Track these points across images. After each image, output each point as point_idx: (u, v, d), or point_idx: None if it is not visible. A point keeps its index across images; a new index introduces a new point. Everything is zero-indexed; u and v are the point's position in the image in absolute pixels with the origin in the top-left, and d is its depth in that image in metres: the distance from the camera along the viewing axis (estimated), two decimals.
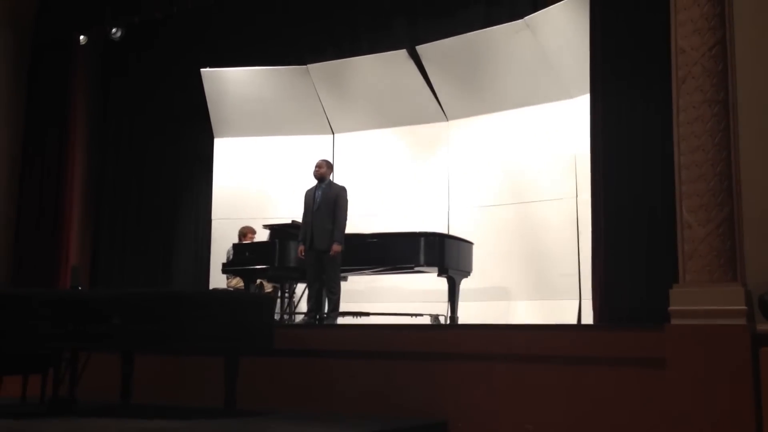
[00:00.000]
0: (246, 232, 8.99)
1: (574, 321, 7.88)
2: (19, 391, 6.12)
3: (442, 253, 7.66)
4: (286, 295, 8.76)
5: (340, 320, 7.60)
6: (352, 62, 9.84)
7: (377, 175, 9.92)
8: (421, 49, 9.39)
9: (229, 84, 10.29)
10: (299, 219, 7.63)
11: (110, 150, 9.88)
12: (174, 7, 8.65)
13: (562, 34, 8.13)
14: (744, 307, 4.63)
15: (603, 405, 5.10)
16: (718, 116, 4.88)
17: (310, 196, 7.51)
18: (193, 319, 5.32)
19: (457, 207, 9.49)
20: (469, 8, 9.21)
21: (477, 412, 5.49)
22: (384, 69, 9.61)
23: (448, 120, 9.72)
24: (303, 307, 8.07)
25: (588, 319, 6.98)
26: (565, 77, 8.50)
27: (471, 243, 8.19)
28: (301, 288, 8.59)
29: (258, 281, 8.53)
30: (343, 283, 7.67)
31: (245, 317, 5.62)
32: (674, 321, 4.83)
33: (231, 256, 8.34)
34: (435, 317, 7.81)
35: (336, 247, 7.21)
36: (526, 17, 8.57)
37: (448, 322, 7.75)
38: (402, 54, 9.49)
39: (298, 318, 8.47)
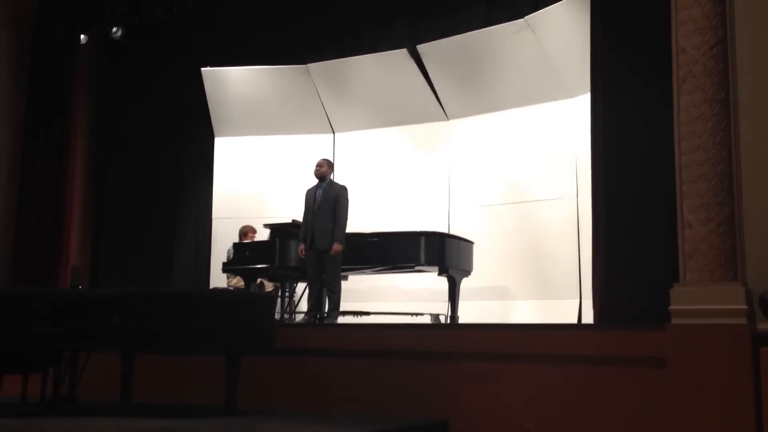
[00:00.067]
0: (246, 231, 8.99)
1: (574, 320, 7.87)
2: (19, 391, 6.11)
3: (443, 253, 7.66)
4: (287, 294, 8.76)
5: (341, 320, 7.60)
6: (352, 61, 9.84)
7: (378, 174, 9.92)
8: (422, 48, 9.39)
9: (230, 83, 10.30)
10: (300, 218, 7.63)
11: (110, 149, 9.87)
12: (174, 7, 8.65)
13: (563, 34, 8.13)
14: (744, 307, 4.63)
15: (603, 404, 5.10)
16: (719, 115, 4.87)
17: (310, 196, 7.51)
18: (193, 319, 5.32)
19: (457, 206, 9.48)
20: (470, 8, 9.20)
21: (477, 412, 5.48)
22: (384, 68, 9.61)
23: (448, 119, 9.72)
24: (303, 306, 8.07)
25: (588, 318, 6.98)
26: (565, 76, 8.50)
27: (471, 242, 8.19)
28: (301, 287, 8.58)
29: (258, 280, 8.52)
30: (343, 283, 7.66)
31: (246, 316, 5.62)
32: (675, 320, 4.83)
33: (231, 256, 8.34)
34: (435, 317, 7.81)
35: (336, 247, 7.21)
36: (526, 16, 8.57)
37: (449, 321, 7.75)
38: (402, 53, 9.49)
39: (299, 317, 8.47)
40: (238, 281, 8.62)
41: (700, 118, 4.90)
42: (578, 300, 8.09)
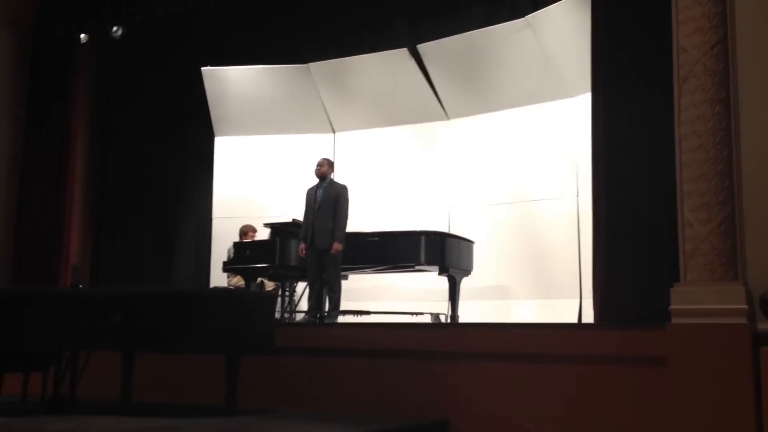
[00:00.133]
0: (247, 230, 8.98)
1: (574, 320, 7.87)
2: (19, 390, 6.11)
3: (443, 252, 7.66)
4: (287, 293, 8.75)
5: (341, 319, 7.60)
6: (353, 61, 9.84)
7: (378, 173, 9.92)
8: (422, 47, 9.39)
9: (230, 82, 10.29)
10: (300, 218, 7.63)
11: (111, 149, 9.86)
12: (175, 6, 8.64)
13: (563, 33, 8.12)
14: (745, 306, 4.63)
15: (604, 404, 5.10)
16: (719, 115, 4.87)
17: (311, 195, 7.51)
18: (193, 318, 5.32)
19: (457, 206, 9.48)
20: (470, 7, 9.20)
21: (478, 411, 5.48)
22: (385, 68, 9.61)
23: (449, 119, 9.72)
24: (304, 305, 8.07)
25: (589, 318, 6.98)
26: (566, 76, 8.49)
27: (472, 242, 8.19)
28: (301, 287, 8.58)
29: (259, 280, 8.52)
30: (343, 282, 7.66)
31: (246, 316, 5.61)
32: (675, 320, 4.83)
33: (232, 255, 8.33)
34: (436, 316, 7.81)
35: (337, 246, 7.21)
36: (527, 16, 8.57)
37: (449, 321, 7.75)
38: (403, 53, 9.50)
39: (299, 317, 8.47)
40: (238, 280, 8.62)
41: (700, 118, 4.90)
42: (578, 299, 8.09)
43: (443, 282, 7.94)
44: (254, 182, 10.35)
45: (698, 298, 4.75)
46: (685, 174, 4.93)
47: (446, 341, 5.83)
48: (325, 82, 10.11)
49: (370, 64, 9.72)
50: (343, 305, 7.52)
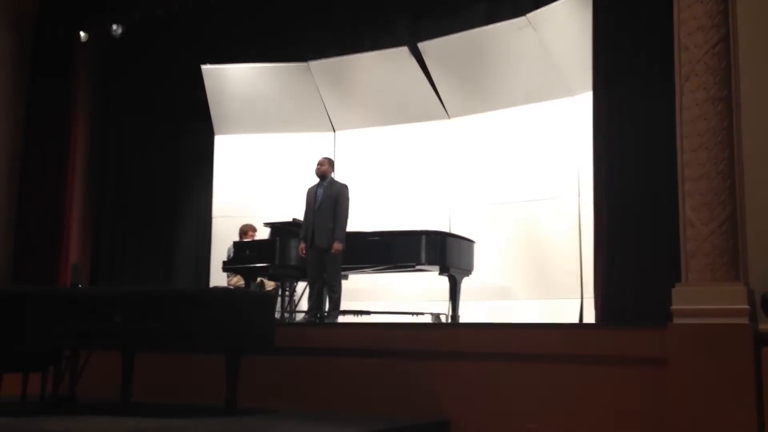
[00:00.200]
0: (247, 230, 8.97)
1: (576, 320, 7.85)
2: (19, 390, 6.11)
3: (444, 252, 7.64)
4: (287, 293, 8.74)
5: (341, 319, 7.58)
6: (353, 59, 9.83)
7: (378, 173, 9.90)
8: (423, 46, 9.38)
9: (230, 81, 10.28)
10: (300, 217, 7.61)
11: (111, 147, 9.86)
12: (175, 5, 8.63)
13: (565, 32, 8.10)
14: (746, 307, 4.61)
15: (605, 404, 5.09)
16: (721, 114, 4.85)
17: (311, 194, 7.49)
18: (193, 318, 5.31)
19: (458, 205, 9.46)
20: (471, 5, 9.19)
21: (479, 411, 5.47)
22: (386, 66, 9.60)
23: (449, 117, 9.70)
24: (304, 305, 8.05)
25: (590, 318, 6.97)
26: (567, 75, 8.48)
27: (472, 241, 8.17)
28: (302, 286, 8.57)
29: (259, 279, 8.51)
30: (344, 282, 7.64)
31: (246, 316, 5.60)
32: (676, 320, 4.81)
33: (231, 254, 8.33)
34: (436, 316, 7.80)
35: (337, 246, 7.19)
36: (528, 14, 8.55)
37: (450, 321, 7.74)
38: (404, 51, 9.48)
39: (299, 316, 8.46)
40: (238, 280, 8.61)
41: (702, 117, 4.88)
42: (580, 299, 8.07)
43: (444, 282, 7.92)
44: (254, 181, 10.33)
45: (700, 299, 4.73)
46: (686, 173, 4.92)
47: (447, 341, 5.82)
48: (325, 81, 10.10)
49: (371, 63, 9.70)
50: (344, 305, 7.50)
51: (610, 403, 5.07)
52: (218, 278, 9.29)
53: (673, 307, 4.83)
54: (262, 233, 8.70)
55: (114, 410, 5.37)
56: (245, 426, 5.16)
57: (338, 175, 8.08)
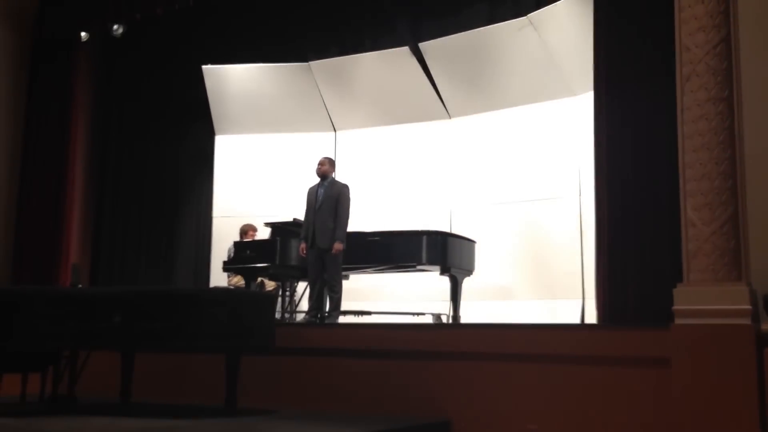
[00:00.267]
0: (247, 229, 8.96)
1: (577, 320, 7.84)
2: (18, 390, 6.09)
3: (445, 252, 7.62)
4: (287, 293, 8.73)
5: (342, 319, 7.57)
6: (354, 59, 9.82)
7: (379, 172, 9.89)
8: (424, 46, 9.37)
9: (231, 81, 10.27)
10: (301, 217, 7.60)
11: (111, 147, 9.85)
12: (176, 4, 8.61)
13: (566, 32, 8.10)
14: (748, 307, 4.60)
15: (607, 405, 5.08)
16: (722, 114, 4.85)
17: (312, 194, 7.48)
18: (193, 318, 5.30)
19: (459, 205, 9.46)
20: (473, 5, 9.19)
21: (480, 412, 5.46)
22: (386, 66, 9.59)
23: (450, 117, 9.69)
24: (304, 305, 8.04)
25: (591, 318, 6.95)
26: (568, 75, 8.47)
27: (473, 241, 8.16)
28: (302, 286, 8.56)
29: (259, 279, 8.50)
30: (344, 282, 7.63)
31: (246, 316, 5.59)
32: (678, 320, 4.80)
33: (232, 254, 8.31)
34: (437, 316, 7.78)
35: (338, 246, 7.18)
36: (529, 14, 8.54)
37: (451, 321, 7.72)
38: (405, 51, 9.47)
39: (300, 317, 8.44)
40: (238, 280, 8.60)
41: (703, 117, 4.87)
42: (581, 300, 8.05)
43: (445, 282, 7.91)
44: (255, 181, 10.33)
45: (702, 299, 4.73)
46: (687, 173, 4.91)
47: (448, 342, 5.81)
48: (326, 81, 10.09)
49: (372, 63, 9.69)
50: (344, 305, 7.48)
51: (612, 403, 5.06)
52: (218, 278, 9.28)
53: (675, 307, 4.82)
54: (263, 233, 8.69)
55: (114, 410, 5.37)
56: (245, 426, 5.15)
57: (339, 175, 8.07)
